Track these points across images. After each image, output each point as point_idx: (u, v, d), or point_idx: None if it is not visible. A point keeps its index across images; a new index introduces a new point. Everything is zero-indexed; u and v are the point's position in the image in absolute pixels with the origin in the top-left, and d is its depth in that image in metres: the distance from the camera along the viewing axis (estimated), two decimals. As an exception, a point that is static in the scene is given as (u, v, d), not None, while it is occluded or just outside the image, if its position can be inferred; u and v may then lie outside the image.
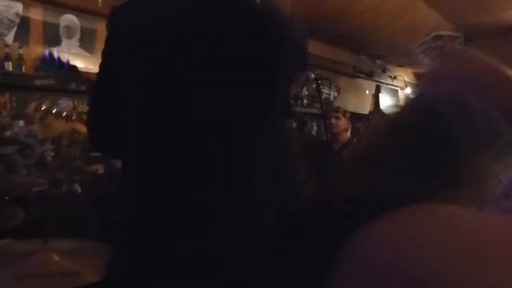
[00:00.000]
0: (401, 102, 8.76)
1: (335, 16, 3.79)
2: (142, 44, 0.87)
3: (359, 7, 3.81)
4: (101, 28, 3.26)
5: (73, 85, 3.04)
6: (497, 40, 4.82)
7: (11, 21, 2.86)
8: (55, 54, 2.92)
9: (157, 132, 0.87)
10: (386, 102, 8.02)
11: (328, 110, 3.55)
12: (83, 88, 3.02)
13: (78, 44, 3.16)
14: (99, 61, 1.00)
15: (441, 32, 4.86)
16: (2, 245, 1.72)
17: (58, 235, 1.56)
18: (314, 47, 4.39)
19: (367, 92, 7.56)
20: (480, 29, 4.81)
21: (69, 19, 3.10)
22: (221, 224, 0.85)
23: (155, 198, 0.86)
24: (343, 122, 3.32)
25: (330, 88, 5.62)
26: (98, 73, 1.00)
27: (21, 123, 2.87)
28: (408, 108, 0.73)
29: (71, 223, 1.95)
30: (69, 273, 1.38)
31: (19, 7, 2.87)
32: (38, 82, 2.94)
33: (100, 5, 3.15)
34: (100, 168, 2.97)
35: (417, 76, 8.58)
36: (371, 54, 6.07)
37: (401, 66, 7.28)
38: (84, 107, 3.07)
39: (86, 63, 3.21)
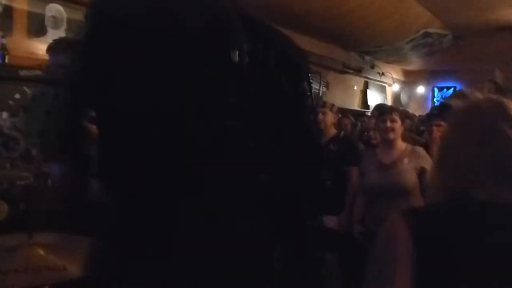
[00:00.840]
0: (389, 99, 8.84)
1: (326, 13, 3.78)
2: (138, 38, 0.82)
3: (350, 4, 3.80)
4: (88, 19, 3.19)
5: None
6: (485, 39, 4.88)
7: (-5, 11, 2.79)
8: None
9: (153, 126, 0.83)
10: (373, 98, 8.08)
11: (316, 105, 3.54)
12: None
13: (65, 35, 3.10)
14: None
15: (430, 30, 4.89)
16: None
17: (43, 229, 1.52)
18: (305, 43, 4.39)
19: (355, 87, 7.61)
20: (469, 28, 4.85)
21: (55, 8, 3.03)
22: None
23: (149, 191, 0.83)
24: (330, 117, 3.33)
25: (319, 83, 5.63)
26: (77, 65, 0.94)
27: (5, 115, 2.80)
28: None
29: (56, 217, 1.90)
30: (55, 268, 1.35)
31: (3, -2, 2.80)
32: (22, 73, 2.87)
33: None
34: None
35: (407, 73, 8.66)
36: (361, 51, 6.09)
37: (389, 62, 7.34)
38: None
39: (73, 54, 3.15)
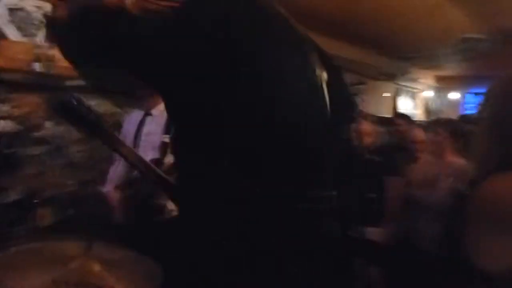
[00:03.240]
0: (420, 105, 8.64)
1: (366, 19, 3.73)
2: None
3: (388, 8, 3.74)
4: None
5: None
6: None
7: (40, 21, 2.86)
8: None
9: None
10: (404, 105, 7.93)
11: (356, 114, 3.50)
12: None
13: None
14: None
15: (469, 35, 4.76)
16: (41, 246, 1.70)
17: (102, 240, 1.53)
18: (340, 48, 4.34)
19: (386, 94, 7.48)
20: (508, 33, 4.71)
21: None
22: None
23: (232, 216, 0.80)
24: (366, 126, 3.27)
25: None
26: None
27: (49, 124, 2.87)
28: None
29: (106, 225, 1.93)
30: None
31: (48, 7, 2.87)
32: (68, 83, 2.94)
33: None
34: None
35: (440, 79, 8.46)
36: (397, 56, 5.98)
37: (426, 68, 7.16)
38: (113, 108, 3.07)
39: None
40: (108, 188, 2.17)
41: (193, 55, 0.75)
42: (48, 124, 2.86)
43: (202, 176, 0.82)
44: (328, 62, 0.94)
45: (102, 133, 1.11)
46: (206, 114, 0.78)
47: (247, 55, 0.77)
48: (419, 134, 3.23)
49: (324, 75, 0.89)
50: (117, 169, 2.17)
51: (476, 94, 5.71)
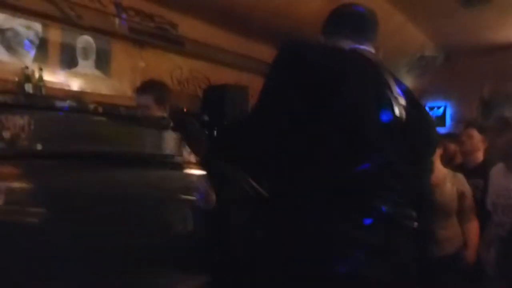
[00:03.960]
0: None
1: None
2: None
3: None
4: (115, 50, 3.27)
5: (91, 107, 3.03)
6: (475, 59, 5.22)
7: (31, 42, 2.83)
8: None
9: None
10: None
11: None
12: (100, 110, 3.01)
13: (94, 65, 3.16)
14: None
15: (425, 53, 5.18)
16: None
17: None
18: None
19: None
20: (460, 49, 5.17)
21: (85, 40, 3.10)
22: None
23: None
24: (476, 140, 2.81)
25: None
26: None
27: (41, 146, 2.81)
28: None
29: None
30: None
31: (38, 28, 2.84)
32: (58, 103, 2.91)
33: (117, 27, 3.18)
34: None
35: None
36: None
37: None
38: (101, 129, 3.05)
39: (102, 85, 3.20)
40: None
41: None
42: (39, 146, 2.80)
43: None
44: (414, 102, 1.19)
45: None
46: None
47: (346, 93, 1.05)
48: None
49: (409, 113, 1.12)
50: None
51: (430, 108, 6.17)
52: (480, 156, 2.85)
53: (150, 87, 2.20)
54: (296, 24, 3.60)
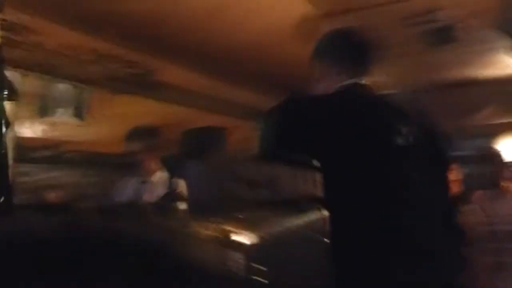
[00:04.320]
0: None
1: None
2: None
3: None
4: (93, 97, 3.26)
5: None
6: (439, 96, 5.46)
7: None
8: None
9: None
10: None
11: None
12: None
13: (72, 113, 3.13)
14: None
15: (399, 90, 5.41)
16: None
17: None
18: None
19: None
20: (415, 87, 5.43)
21: (64, 88, 3.09)
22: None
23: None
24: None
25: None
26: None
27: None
28: None
29: None
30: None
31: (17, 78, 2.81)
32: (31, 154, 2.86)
33: (93, 74, 3.19)
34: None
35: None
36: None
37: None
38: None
39: (78, 133, 3.17)
40: None
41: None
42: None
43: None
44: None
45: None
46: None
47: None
48: None
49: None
50: None
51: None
52: None
53: (140, 134, 2.18)
54: (275, 69, 3.70)
